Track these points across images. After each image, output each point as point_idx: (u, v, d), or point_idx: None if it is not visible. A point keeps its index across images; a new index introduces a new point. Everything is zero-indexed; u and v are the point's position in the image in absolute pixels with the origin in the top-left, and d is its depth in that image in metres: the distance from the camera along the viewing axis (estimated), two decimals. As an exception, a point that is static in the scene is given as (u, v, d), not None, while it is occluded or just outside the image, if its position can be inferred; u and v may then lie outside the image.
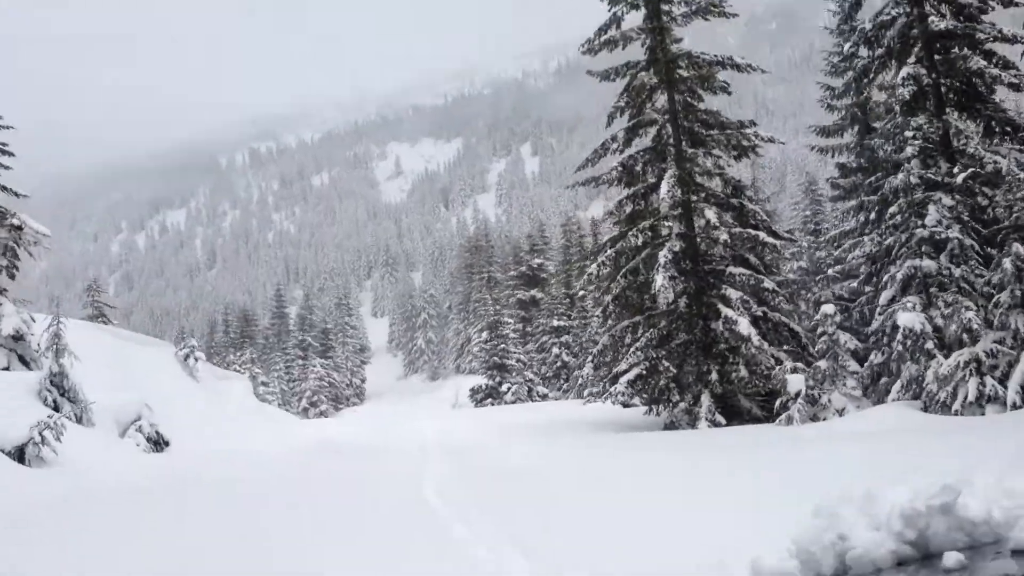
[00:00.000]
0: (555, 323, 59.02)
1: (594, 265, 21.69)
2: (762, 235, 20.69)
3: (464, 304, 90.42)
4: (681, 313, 20.81)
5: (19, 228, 20.94)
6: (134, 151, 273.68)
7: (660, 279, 19.37)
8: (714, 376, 20.03)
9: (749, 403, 20.48)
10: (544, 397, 55.17)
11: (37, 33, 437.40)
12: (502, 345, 57.15)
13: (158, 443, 19.39)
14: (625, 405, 37.24)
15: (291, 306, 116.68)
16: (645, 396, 21.35)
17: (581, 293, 64.07)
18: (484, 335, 70.89)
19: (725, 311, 19.77)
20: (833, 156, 26.27)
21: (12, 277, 21.02)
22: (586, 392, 40.79)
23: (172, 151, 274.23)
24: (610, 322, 22.53)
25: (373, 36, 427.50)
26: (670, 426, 20.93)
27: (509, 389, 54.42)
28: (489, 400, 54.73)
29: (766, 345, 19.57)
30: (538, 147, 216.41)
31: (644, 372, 20.49)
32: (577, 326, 57.62)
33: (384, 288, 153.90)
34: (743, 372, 19.65)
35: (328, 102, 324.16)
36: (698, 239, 21.17)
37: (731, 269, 20.71)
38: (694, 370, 20.78)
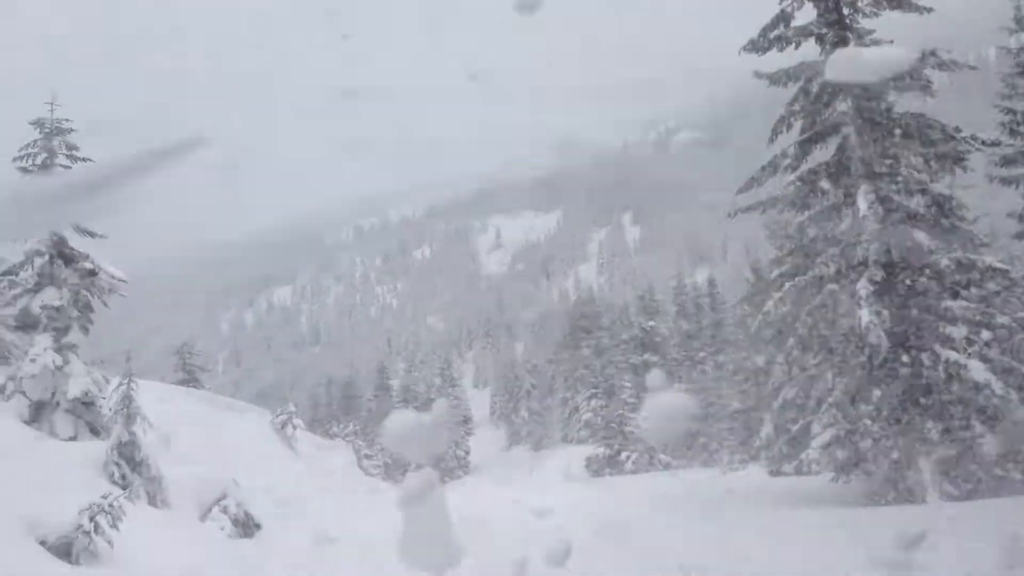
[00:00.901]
0: (675, 386, 54.53)
1: (770, 303, 17.74)
2: (988, 260, 16.46)
3: (570, 372, 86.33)
4: (884, 359, 16.64)
5: (93, 273, 18.23)
6: (244, 231, 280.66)
7: (865, 315, 15.33)
8: (934, 435, 15.74)
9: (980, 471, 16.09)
10: (667, 466, 50.59)
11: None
12: (619, 411, 52.91)
13: (247, 525, 16.13)
14: (772, 474, 32.80)
15: (394, 379, 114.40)
16: (837, 462, 17.03)
17: (701, 355, 60.17)
18: (597, 401, 66.80)
19: (946, 354, 15.60)
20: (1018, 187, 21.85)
21: (85, 331, 18.18)
22: (726, 460, 36.44)
23: (279, 229, 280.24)
24: (794, 372, 18.48)
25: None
26: (873, 498, 16.67)
27: (629, 458, 50.02)
28: (607, 470, 50.40)
29: (1013, 393, 15.18)
30: (639, 216, 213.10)
31: (841, 433, 16.34)
32: (697, 389, 53.15)
33: (485, 359, 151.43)
34: (978, 430, 15.31)
35: (432, 179, 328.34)
36: (899, 268, 17.11)
37: (948, 303, 16.54)
38: (903, 429, 16.55)
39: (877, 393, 16.90)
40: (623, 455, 50.21)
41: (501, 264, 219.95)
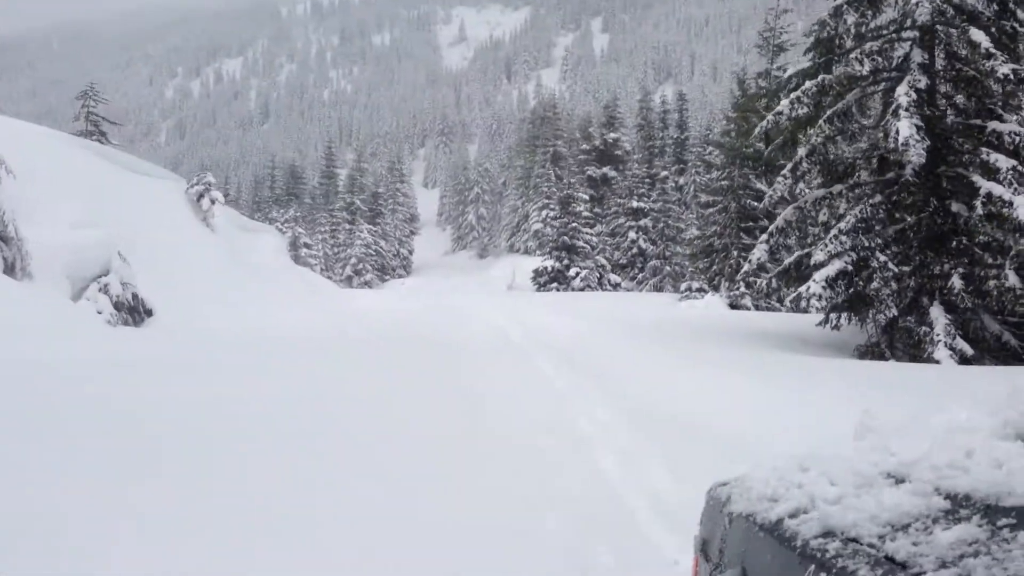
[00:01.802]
0: (634, 204, 51.95)
1: (786, 101, 14.68)
2: None
3: (523, 180, 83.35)
4: (908, 185, 13.93)
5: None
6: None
7: (905, 127, 12.44)
8: (956, 283, 13.32)
9: (999, 327, 13.80)
10: (616, 286, 48.75)
11: None
12: (573, 224, 50.38)
13: (135, 311, 13.37)
14: (733, 306, 30.88)
15: (342, 168, 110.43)
16: (840, 303, 14.54)
17: (664, 174, 57.37)
18: (549, 212, 64.25)
19: (986, 185, 12.92)
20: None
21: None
22: (683, 286, 34.39)
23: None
24: (800, 188, 15.69)
25: None
26: (869, 351, 14.41)
27: (578, 274, 47.97)
28: (554, 285, 48.43)
29: None
30: (609, 23, 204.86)
31: (850, 267, 13.81)
32: (659, 209, 50.71)
33: (437, 158, 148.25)
34: (1012, 281, 12.83)
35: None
36: (942, 75, 14.13)
37: (996, 125, 13.70)
38: (920, 272, 14.11)
39: (896, 225, 14.34)
40: (572, 271, 48.14)
41: (462, 59, 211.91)
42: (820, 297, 13.30)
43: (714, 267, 33.32)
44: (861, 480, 1.63)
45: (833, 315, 14.99)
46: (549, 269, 49.28)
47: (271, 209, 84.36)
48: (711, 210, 34.85)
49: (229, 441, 6.39)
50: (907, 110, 12.84)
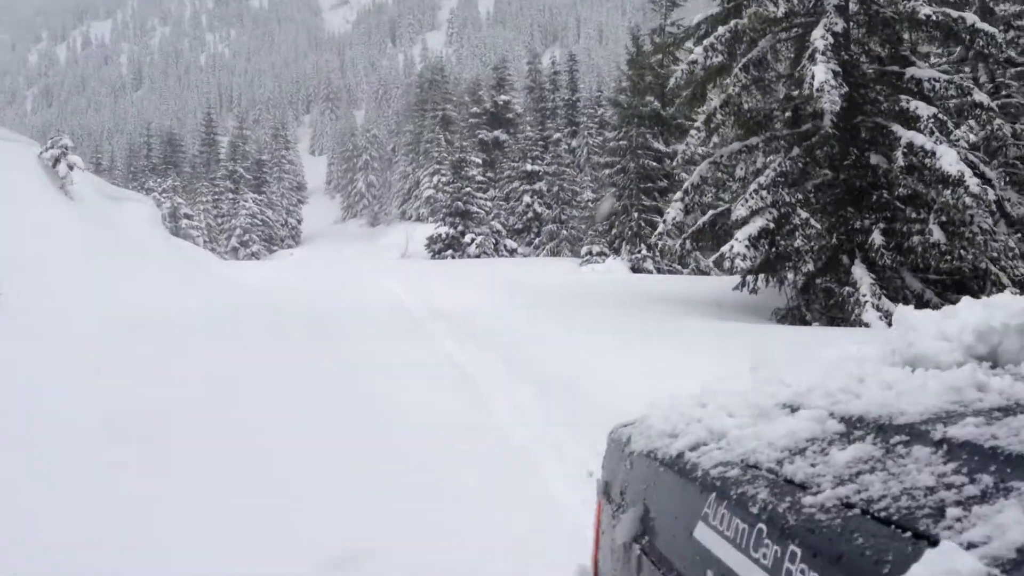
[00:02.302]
0: (528, 167, 50.87)
1: (699, 49, 13.69)
2: (973, 18, 12.77)
3: (413, 145, 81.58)
4: (827, 137, 13.18)
5: None
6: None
7: (820, 72, 11.61)
8: (876, 239, 12.68)
9: (921, 285, 13.26)
10: (513, 252, 47.86)
11: None
12: (467, 188, 49.11)
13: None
14: (635, 270, 30.27)
15: (223, 136, 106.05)
16: (761, 262, 13.71)
17: (556, 136, 56.61)
18: (441, 178, 62.78)
19: (907, 135, 12.26)
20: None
21: None
22: (584, 250, 33.61)
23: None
24: (714, 141, 14.75)
25: None
26: (788, 315, 13.71)
27: (473, 240, 46.83)
28: (449, 252, 47.19)
29: (990, 193, 11.95)
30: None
31: (772, 224, 13.00)
32: (553, 173, 49.88)
33: (324, 125, 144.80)
34: (936, 236, 12.23)
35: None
36: (855, 21, 13.37)
37: (915, 71, 13.05)
38: (840, 228, 13.43)
39: (815, 180, 13.63)
40: (467, 237, 46.97)
41: (345, 22, 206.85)
42: (744, 257, 12.47)
43: (614, 230, 32.65)
44: (758, 411, 1.64)
45: (750, 277, 14.26)
46: (444, 236, 48.00)
47: (148, 179, 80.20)
48: (610, 171, 34.11)
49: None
50: (824, 54, 12.06)
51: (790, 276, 13.94)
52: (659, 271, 30.01)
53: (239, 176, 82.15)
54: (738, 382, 1.92)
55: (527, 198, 50.69)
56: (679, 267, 30.60)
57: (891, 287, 13.13)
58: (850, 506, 1.09)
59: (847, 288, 12.78)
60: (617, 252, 31.48)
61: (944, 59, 16.15)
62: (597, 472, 2.13)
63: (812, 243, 13.16)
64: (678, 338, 10.26)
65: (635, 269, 29.61)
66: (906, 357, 1.67)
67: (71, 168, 17.95)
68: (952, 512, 0.94)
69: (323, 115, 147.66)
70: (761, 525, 1.21)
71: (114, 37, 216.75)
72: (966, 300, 1.84)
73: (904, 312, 1.84)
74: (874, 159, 13.23)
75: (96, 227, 17.68)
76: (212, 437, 6.22)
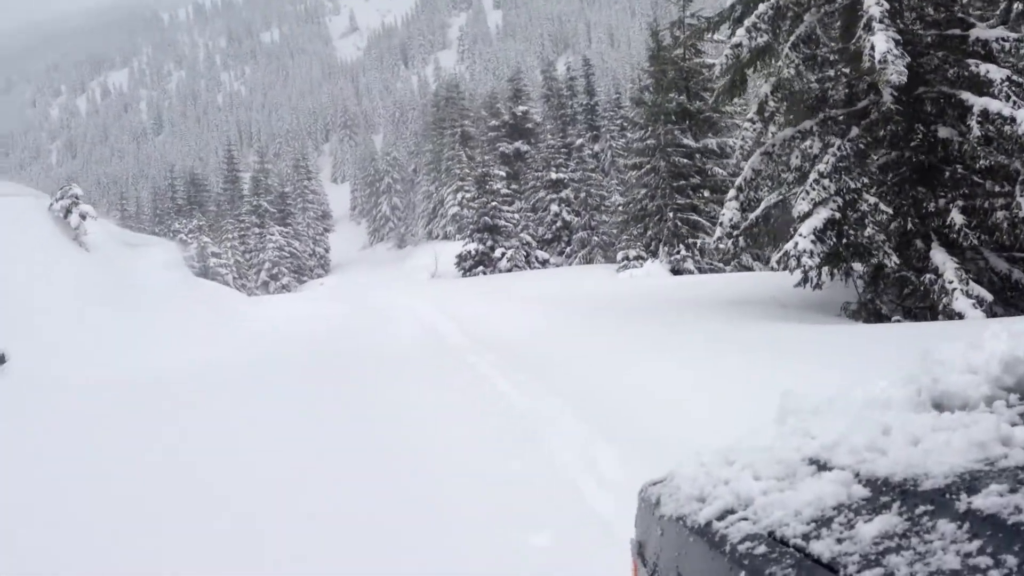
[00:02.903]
0: (553, 176, 49.79)
1: (741, 30, 12.49)
2: None
3: (434, 164, 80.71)
4: (888, 112, 11.99)
5: None
6: (68, 8, 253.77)
7: (880, 41, 10.35)
8: (956, 218, 11.46)
9: (1007, 266, 12.02)
10: (544, 263, 46.78)
11: None
12: (493, 203, 48.10)
13: (-22, 360, 10.73)
14: (675, 271, 29.05)
15: (245, 172, 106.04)
16: (829, 255, 12.37)
17: (579, 143, 55.54)
18: (465, 194, 62.00)
19: (979, 102, 11.05)
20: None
21: None
22: (620, 256, 32.41)
23: (109, 7, 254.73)
24: (772, 131, 13.54)
25: None
26: (862, 309, 12.47)
27: (504, 255, 45.81)
28: (480, 268, 46.19)
29: None
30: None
31: (838, 215, 11.79)
32: (578, 179, 48.78)
33: (343, 152, 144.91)
34: None
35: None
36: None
37: (980, 32, 11.82)
38: (913, 211, 12.20)
39: (879, 161, 12.41)
40: (497, 252, 45.95)
41: (356, 49, 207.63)
42: (811, 253, 11.25)
43: (649, 232, 31.42)
44: (784, 470, 1.60)
45: (812, 273, 13.02)
46: (473, 252, 47.03)
47: (174, 221, 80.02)
48: (639, 172, 32.91)
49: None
50: (881, 22, 10.85)
51: (857, 267, 12.71)
52: (700, 271, 28.80)
53: (264, 210, 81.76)
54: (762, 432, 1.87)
55: (554, 207, 49.61)
56: (720, 265, 29.37)
57: (974, 270, 11.88)
58: None
59: (928, 276, 11.53)
60: (655, 254, 30.27)
61: (995, 18, 14.86)
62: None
63: (885, 230, 11.90)
64: (769, 348, 9.04)
65: (675, 271, 28.41)
66: (933, 395, 1.66)
67: (83, 218, 17.17)
68: None
69: (342, 143, 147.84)
70: None
71: (132, 85, 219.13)
72: (993, 327, 1.84)
73: (929, 346, 1.84)
74: (943, 132, 11.99)
75: (111, 278, 16.85)
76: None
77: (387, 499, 5.64)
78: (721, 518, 1.56)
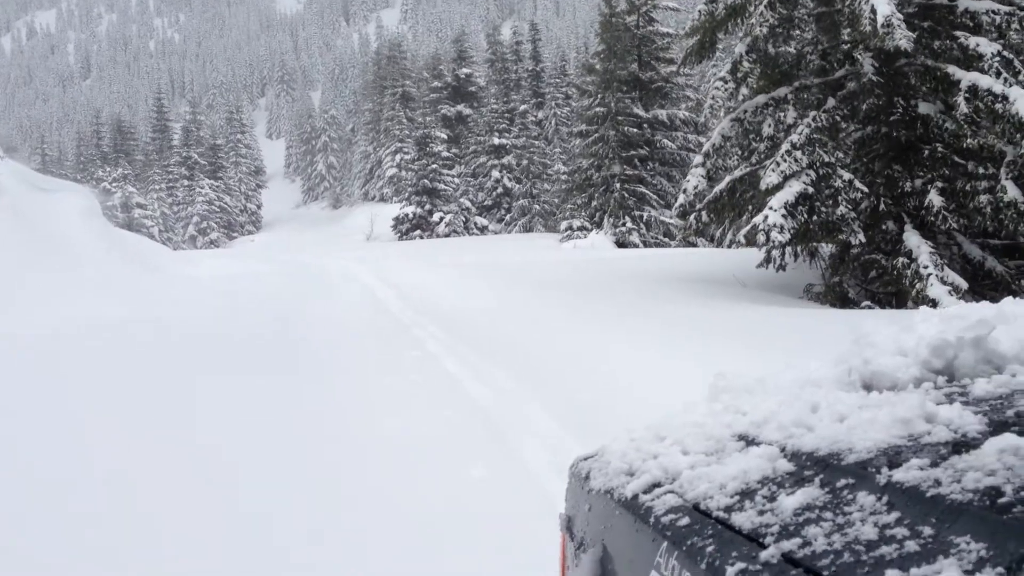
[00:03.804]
0: (495, 141, 48.74)
1: None
2: None
3: (373, 124, 78.96)
4: (868, 84, 11.23)
5: None
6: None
7: (883, 5, 9.63)
8: (934, 200, 10.78)
9: (981, 253, 11.41)
10: (483, 230, 45.84)
11: None
12: (433, 165, 46.91)
13: None
14: (620, 244, 28.33)
15: (175, 123, 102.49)
16: (799, 233, 11.58)
17: (523, 108, 54.40)
18: (404, 156, 60.59)
19: (968, 77, 10.34)
20: None
21: None
22: (563, 226, 31.57)
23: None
24: (743, 94, 12.66)
25: None
26: (829, 293, 11.77)
27: (442, 219, 44.71)
28: (417, 233, 45.04)
29: None
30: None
31: (811, 189, 11.01)
32: (521, 146, 47.80)
33: (279, 108, 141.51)
34: (1012, 193, 10.31)
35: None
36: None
37: (969, 3, 11.07)
38: (887, 190, 11.49)
39: (855, 135, 11.69)
40: (435, 216, 44.82)
41: (296, 2, 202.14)
42: (781, 228, 10.45)
43: (594, 202, 30.62)
44: (713, 445, 1.61)
45: (776, 252, 12.28)
46: (411, 216, 45.85)
47: (97, 169, 76.84)
48: (585, 141, 32.03)
49: None
50: (882, -18, 10.05)
51: (823, 248, 12.03)
52: (646, 245, 28.16)
53: (194, 162, 78.88)
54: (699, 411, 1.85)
55: (496, 173, 48.59)
56: (666, 240, 28.77)
57: (946, 256, 11.26)
58: (794, 562, 1.07)
59: (900, 259, 10.86)
60: (599, 226, 29.50)
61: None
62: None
63: (858, 208, 11.20)
64: (744, 334, 8.24)
65: (620, 243, 27.70)
66: (863, 376, 1.68)
67: (-13, 157, 15.65)
68: (892, 574, 0.92)
69: (279, 98, 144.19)
70: None
71: (60, 26, 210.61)
72: (923, 311, 1.90)
73: (863, 328, 1.83)
74: (924, 108, 11.30)
75: (18, 223, 15.39)
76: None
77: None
78: (648, 491, 1.56)
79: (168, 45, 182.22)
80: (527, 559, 3.47)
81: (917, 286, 10.44)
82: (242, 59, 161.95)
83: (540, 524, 3.61)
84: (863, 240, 11.06)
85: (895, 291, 11.31)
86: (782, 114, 11.75)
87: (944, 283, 10.29)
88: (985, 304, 1.92)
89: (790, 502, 1.21)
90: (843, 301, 11.69)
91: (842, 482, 1.21)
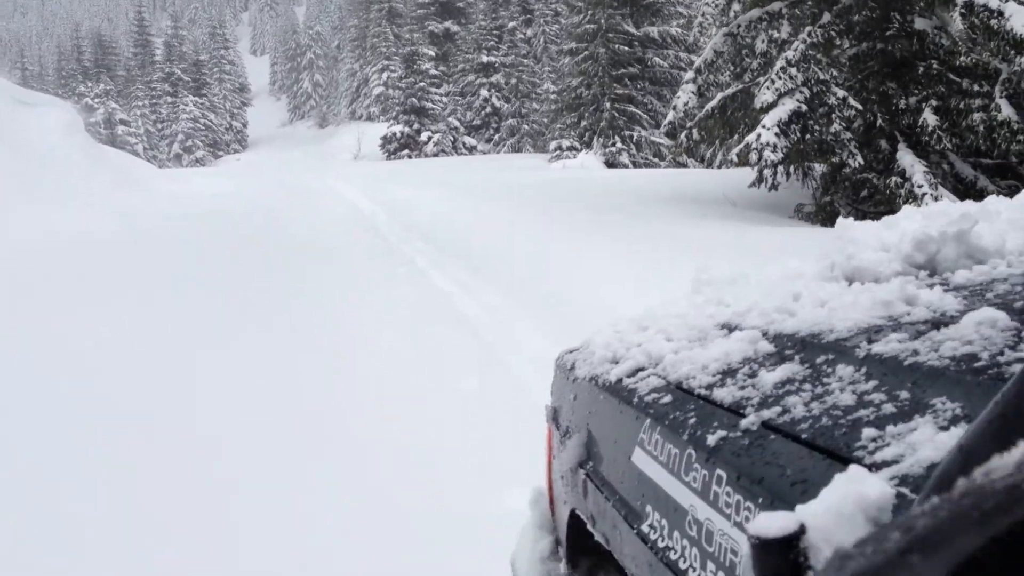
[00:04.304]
0: (483, 59, 47.92)
1: None
2: None
3: (359, 41, 77.35)
4: (860, -1, 11.02)
5: None
6: None
7: None
8: (928, 118, 10.67)
9: (973, 172, 11.36)
10: (472, 149, 45.42)
11: None
12: (420, 83, 46.20)
13: None
14: (610, 164, 28.12)
15: (157, 37, 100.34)
16: (792, 151, 11.41)
17: (512, 25, 53.39)
18: (391, 74, 59.53)
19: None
20: None
21: None
22: (552, 146, 31.27)
23: None
24: (735, 9, 12.38)
25: None
26: (820, 212, 11.72)
27: (430, 139, 44.21)
28: (406, 152, 44.58)
29: None
30: None
31: (804, 107, 10.87)
32: (510, 64, 47.05)
33: (263, 23, 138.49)
34: (1005, 112, 10.20)
35: None
36: None
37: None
38: (882, 108, 11.37)
39: (848, 52, 11.53)
40: (423, 135, 44.30)
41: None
42: (775, 147, 10.37)
43: (584, 122, 30.25)
44: (696, 334, 1.63)
45: (768, 172, 12.17)
46: (398, 135, 45.31)
47: (79, 84, 75.48)
48: (574, 59, 31.51)
49: None
50: None
51: (817, 167, 11.95)
52: (635, 165, 27.98)
53: (177, 79, 77.43)
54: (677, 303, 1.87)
55: (484, 92, 47.90)
56: (655, 160, 28.57)
57: (938, 175, 11.21)
58: (774, 429, 1.10)
59: (893, 178, 10.81)
60: (588, 146, 29.22)
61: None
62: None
63: (851, 126, 11.10)
64: (723, 250, 8.24)
65: (610, 164, 27.50)
66: (845, 271, 1.69)
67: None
68: (868, 432, 0.94)
69: (262, 12, 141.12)
70: (691, 450, 1.23)
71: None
72: (907, 210, 1.87)
73: (844, 224, 1.83)
74: (920, 24, 11.12)
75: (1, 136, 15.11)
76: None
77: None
78: (631, 375, 1.59)
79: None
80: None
81: (911, 204, 10.41)
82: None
83: (524, 418, 3.64)
84: (860, 162, 10.97)
85: (887, 210, 11.25)
86: (775, 31, 11.54)
87: (937, 201, 10.26)
88: (968, 202, 1.92)
89: (770, 377, 1.24)
90: (833, 220, 11.67)
91: (822, 358, 1.22)
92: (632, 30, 29.86)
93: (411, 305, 7.20)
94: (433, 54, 53.42)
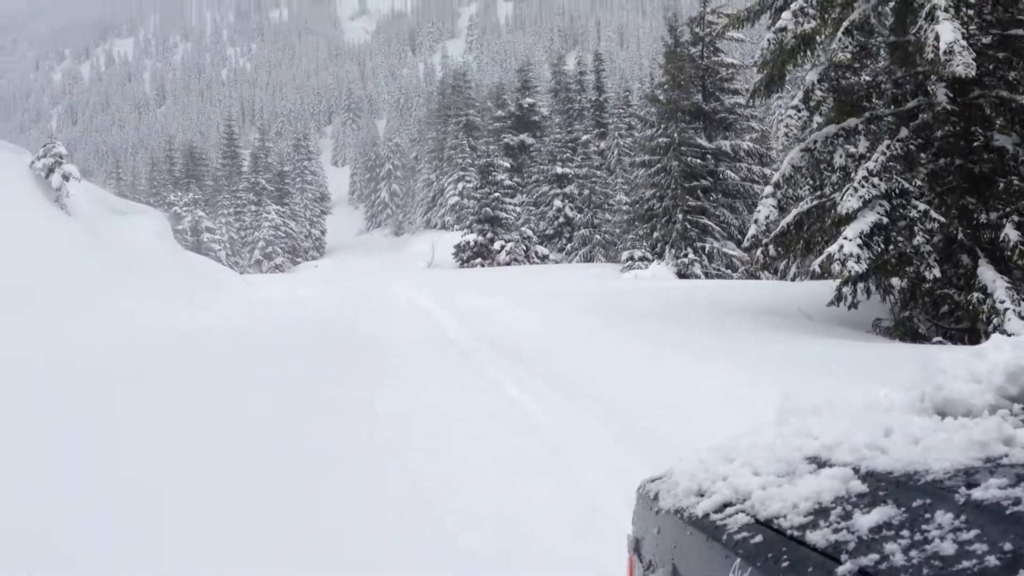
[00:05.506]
0: (557, 170, 48.87)
1: (788, 14, 11.15)
2: None
3: (436, 152, 79.67)
4: (943, 114, 11.05)
5: None
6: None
7: (947, 31, 9.34)
8: (1010, 233, 10.49)
9: (1059, 288, 11.11)
10: (544, 259, 45.80)
11: None
12: (495, 194, 47.06)
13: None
14: (681, 275, 28.13)
15: (245, 149, 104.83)
16: (876, 266, 11.23)
17: (585, 138, 54.50)
18: (466, 184, 61.21)
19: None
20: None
21: None
22: (624, 256, 31.47)
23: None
24: (817, 122, 12.51)
25: None
26: (898, 328, 11.50)
27: (503, 248, 44.79)
28: (479, 260, 45.19)
29: None
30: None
31: (885, 219, 10.80)
32: (583, 175, 47.83)
33: (345, 135, 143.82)
34: None
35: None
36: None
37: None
38: (961, 222, 11.25)
39: (929, 165, 11.47)
40: (496, 244, 44.94)
41: (364, 33, 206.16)
42: (858, 258, 10.25)
43: (656, 233, 30.46)
44: (784, 468, 1.60)
45: (847, 289, 11.97)
46: (472, 244, 46.01)
47: (169, 193, 78.90)
48: (647, 171, 31.94)
49: None
50: (946, 11, 9.89)
51: (896, 282, 11.78)
52: (707, 276, 27.91)
53: (261, 188, 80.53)
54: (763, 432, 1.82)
55: (557, 202, 48.68)
56: (728, 272, 28.52)
57: (1020, 291, 10.95)
58: None
59: (975, 295, 10.60)
60: (660, 256, 29.32)
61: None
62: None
63: (934, 240, 10.97)
64: (805, 364, 8.07)
65: (681, 275, 27.50)
66: (936, 403, 1.65)
67: (66, 179, 16.12)
68: None
69: (345, 126, 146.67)
70: None
71: (137, 54, 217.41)
72: (995, 339, 1.81)
73: (931, 354, 1.79)
74: (1000, 140, 11.07)
75: (95, 243, 15.83)
76: None
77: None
78: (719, 511, 1.56)
79: (240, 74, 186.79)
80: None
81: (993, 321, 10.17)
82: (310, 87, 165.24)
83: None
84: (938, 275, 10.80)
85: (968, 327, 11.04)
86: (852, 146, 11.58)
87: (1022, 318, 10.01)
88: (1061, 331, 1.92)
89: (866, 520, 1.20)
90: (913, 336, 11.43)
91: (919, 502, 1.20)
92: (705, 143, 30.25)
93: (502, 458, 7.10)
94: (508, 165, 54.66)
